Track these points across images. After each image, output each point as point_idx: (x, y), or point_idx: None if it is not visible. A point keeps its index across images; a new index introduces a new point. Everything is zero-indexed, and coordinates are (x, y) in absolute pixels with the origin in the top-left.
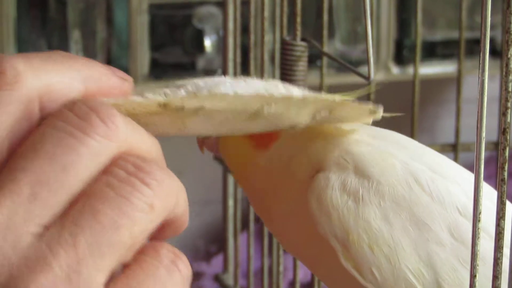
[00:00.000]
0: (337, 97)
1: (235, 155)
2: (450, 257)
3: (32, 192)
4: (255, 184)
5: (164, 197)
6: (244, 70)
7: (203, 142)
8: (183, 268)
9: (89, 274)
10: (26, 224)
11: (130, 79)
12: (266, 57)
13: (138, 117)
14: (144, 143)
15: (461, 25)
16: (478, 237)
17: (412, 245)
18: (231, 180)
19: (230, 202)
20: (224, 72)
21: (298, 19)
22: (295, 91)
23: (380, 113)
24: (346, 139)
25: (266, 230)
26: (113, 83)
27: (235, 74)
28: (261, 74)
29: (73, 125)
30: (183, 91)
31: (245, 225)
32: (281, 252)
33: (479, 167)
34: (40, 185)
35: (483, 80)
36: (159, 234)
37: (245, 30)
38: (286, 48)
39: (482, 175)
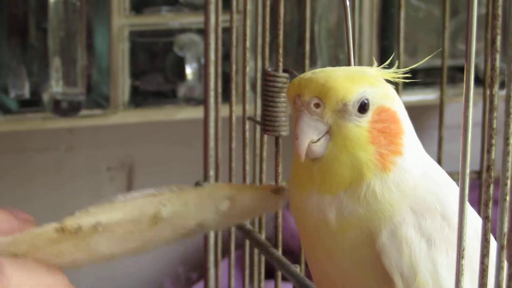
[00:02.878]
0: (234, 185)
1: (350, 167)
2: None
3: None
4: (349, 201)
5: None
6: (226, 98)
7: (310, 149)
8: None
9: None
10: None
11: (32, 219)
12: (248, 86)
13: (42, 250)
14: (43, 283)
15: (444, 53)
16: (462, 274)
17: None
18: None
19: (211, 233)
20: (206, 101)
21: (280, 51)
22: (188, 189)
23: (284, 190)
24: (436, 181)
25: (247, 258)
26: (14, 225)
27: (216, 104)
28: (242, 103)
29: None
30: (76, 212)
31: (225, 252)
32: (262, 280)
33: (463, 211)
34: None
35: (467, 122)
36: None
37: (226, 57)
38: (268, 79)
39: (466, 216)
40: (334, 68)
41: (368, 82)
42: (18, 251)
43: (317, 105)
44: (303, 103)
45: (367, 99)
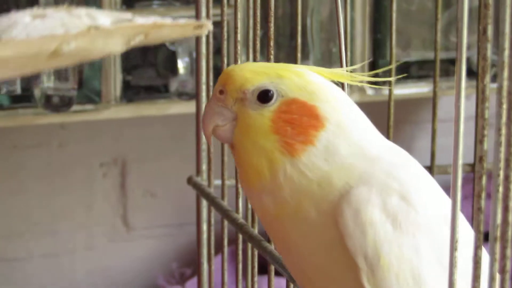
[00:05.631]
0: (152, 20)
1: (256, 155)
2: None
3: None
4: (274, 188)
5: None
6: None
7: (214, 130)
8: None
9: None
10: None
11: None
12: None
13: None
14: None
15: (436, 46)
16: (455, 266)
17: (434, 284)
18: (204, 204)
19: (204, 227)
20: (197, 95)
21: (272, 43)
22: (103, 20)
23: (208, 26)
24: (391, 165)
25: (240, 253)
26: None
27: (208, 98)
28: None
29: None
30: None
31: (219, 248)
32: (255, 274)
33: (456, 201)
34: None
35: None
36: None
37: (218, 51)
38: None
39: (459, 207)
40: (254, 63)
41: (276, 75)
42: None
43: (221, 92)
44: (213, 92)
45: (270, 90)
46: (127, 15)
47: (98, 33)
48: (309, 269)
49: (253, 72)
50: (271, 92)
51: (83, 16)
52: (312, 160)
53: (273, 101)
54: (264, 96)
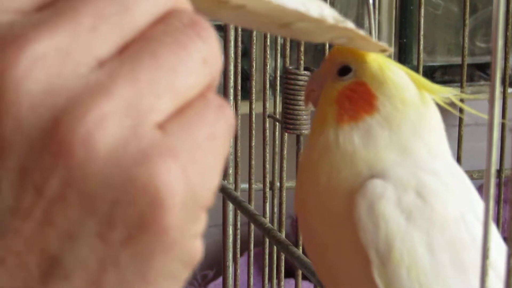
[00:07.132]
0: (362, 32)
1: (318, 117)
2: None
3: (92, 24)
4: (315, 144)
5: (214, 55)
6: (245, 96)
7: (309, 94)
8: (229, 115)
9: (147, 108)
10: (86, 53)
11: None
12: (267, 84)
13: None
14: (189, 6)
15: (464, 51)
16: (487, 274)
17: (447, 283)
18: (230, 207)
19: (230, 230)
20: (225, 98)
21: (302, 49)
22: (327, 12)
23: (389, 51)
24: (421, 166)
25: (267, 257)
26: None
27: (235, 101)
28: (263, 101)
29: None
30: None
31: (244, 249)
32: (282, 278)
33: (488, 209)
34: (100, 19)
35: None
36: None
37: (245, 54)
38: (289, 77)
39: (491, 216)
40: None
41: (362, 58)
42: None
43: (324, 61)
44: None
45: (350, 67)
46: (341, 16)
47: (322, 24)
48: (321, 253)
49: (348, 50)
50: (350, 69)
51: (316, 3)
52: (350, 134)
53: (348, 77)
54: (343, 71)
